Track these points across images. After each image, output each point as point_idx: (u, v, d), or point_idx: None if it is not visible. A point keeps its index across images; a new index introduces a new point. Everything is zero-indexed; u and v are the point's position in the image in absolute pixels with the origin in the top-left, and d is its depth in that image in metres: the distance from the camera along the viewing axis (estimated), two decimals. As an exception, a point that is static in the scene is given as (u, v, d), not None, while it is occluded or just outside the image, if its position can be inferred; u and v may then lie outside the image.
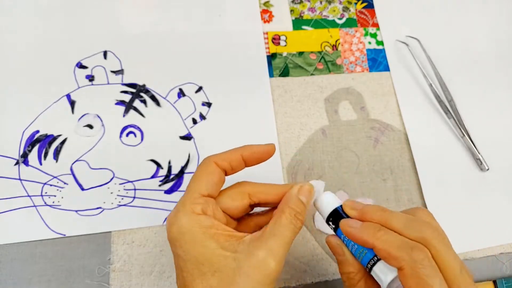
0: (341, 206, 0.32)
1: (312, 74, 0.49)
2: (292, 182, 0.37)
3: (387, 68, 0.51)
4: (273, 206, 0.34)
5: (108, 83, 0.45)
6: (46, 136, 0.43)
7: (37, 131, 0.43)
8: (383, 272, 0.29)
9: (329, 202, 0.33)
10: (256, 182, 0.34)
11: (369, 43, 0.51)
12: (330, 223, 0.32)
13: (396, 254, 0.27)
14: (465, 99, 0.49)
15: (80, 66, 0.45)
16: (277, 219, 0.30)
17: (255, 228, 0.35)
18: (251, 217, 0.35)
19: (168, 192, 0.42)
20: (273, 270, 0.28)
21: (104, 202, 0.41)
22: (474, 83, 0.51)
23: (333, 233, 0.32)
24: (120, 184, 0.42)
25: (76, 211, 0.41)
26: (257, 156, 0.34)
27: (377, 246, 0.28)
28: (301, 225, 0.31)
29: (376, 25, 0.52)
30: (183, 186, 0.43)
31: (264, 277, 0.28)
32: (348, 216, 0.31)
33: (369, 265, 0.30)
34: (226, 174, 0.33)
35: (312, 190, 0.33)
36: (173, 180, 0.43)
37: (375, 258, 0.29)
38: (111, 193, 0.42)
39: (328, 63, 0.50)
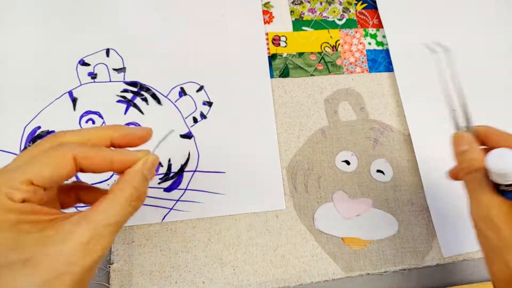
0: None
1: (312, 75, 0.49)
2: (120, 152, 0.28)
3: (387, 69, 0.51)
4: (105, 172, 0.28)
5: (110, 81, 0.46)
6: (48, 132, 0.43)
7: (39, 127, 0.43)
8: None
9: None
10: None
11: (369, 44, 0.52)
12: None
13: None
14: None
15: (83, 63, 0.46)
16: (112, 199, 0.25)
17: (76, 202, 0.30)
18: (75, 189, 0.30)
19: (167, 190, 0.43)
20: (94, 257, 0.24)
21: (104, 199, 0.41)
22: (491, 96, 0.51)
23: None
24: (120, 181, 0.42)
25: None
26: (129, 140, 0.28)
27: None
28: (139, 206, 0.27)
29: (376, 25, 0.53)
30: (183, 184, 0.43)
31: (83, 263, 0.23)
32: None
33: None
34: (81, 171, 0.27)
35: (157, 161, 0.28)
36: (172, 178, 0.43)
37: None
38: (111, 190, 0.42)
39: (328, 63, 0.50)
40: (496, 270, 0.31)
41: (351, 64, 0.51)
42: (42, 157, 0.25)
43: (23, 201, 0.24)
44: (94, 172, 0.27)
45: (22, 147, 0.42)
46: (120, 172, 0.28)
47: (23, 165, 0.25)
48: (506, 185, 0.32)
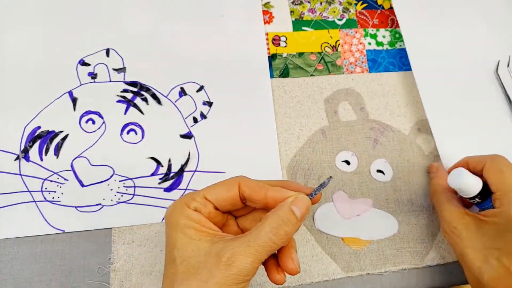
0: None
1: (312, 75, 0.49)
2: (293, 185, 0.34)
3: (387, 69, 0.51)
4: (263, 208, 0.33)
5: (110, 81, 0.46)
6: (48, 132, 0.43)
7: (39, 127, 0.43)
8: None
9: (474, 182, 0.37)
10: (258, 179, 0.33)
11: (369, 44, 0.52)
12: (477, 199, 0.37)
13: None
14: None
15: (83, 63, 0.46)
16: (260, 225, 0.30)
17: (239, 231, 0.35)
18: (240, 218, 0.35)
19: (167, 190, 0.43)
20: (237, 273, 0.28)
21: (104, 199, 0.41)
22: None
23: None
24: (120, 181, 0.42)
25: (76, 207, 0.41)
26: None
27: None
28: (284, 238, 0.30)
29: (376, 25, 0.53)
30: (183, 184, 0.43)
31: (225, 277, 0.28)
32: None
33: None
34: (243, 201, 0.33)
35: (309, 204, 0.31)
36: (172, 178, 0.43)
37: None
38: (111, 190, 0.42)
39: (328, 64, 0.50)
40: (467, 275, 0.37)
41: (351, 64, 0.51)
42: (220, 181, 0.33)
43: (195, 210, 0.31)
44: (252, 203, 0.33)
45: (22, 147, 0.42)
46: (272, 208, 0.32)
47: (206, 187, 0.32)
48: (469, 198, 0.38)
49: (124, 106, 0.45)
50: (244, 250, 0.28)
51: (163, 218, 0.41)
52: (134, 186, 0.42)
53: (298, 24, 0.52)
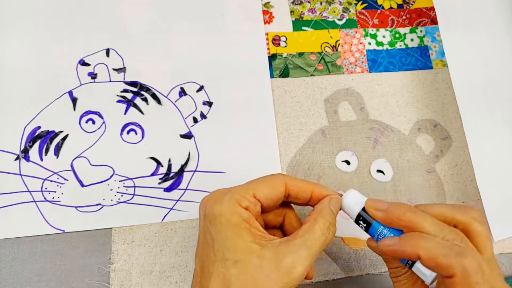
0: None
1: (312, 75, 0.50)
2: (319, 186, 0.34)
3: (387, 69, 0.51)
4: (301, 203, 0.35)
5: (110, 81, 0.46)
6: (48, 132, 0.43)
7: (39, 127, 0.43)
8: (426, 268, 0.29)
9: (356, 202, 0.33)
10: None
11: (369, 44, 0.52)
12: (361, 222, 0.33)
13: (446, 263, 0.27)
14: None
15: (83, 63, 0.46)
16: (310, 227, 0.30)
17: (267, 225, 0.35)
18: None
19: (167, 190, 0.43)
20: (296, 278, 0.28)
21: (104, 199, 0.41)
22: None
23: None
24: (120, 181, 0.42)
25: (76, 207, 0.41)
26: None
27: (423, 257, 0.28)
28: (332, 237, 0.31)
29: (376, 25, 0.53)
30: (183, 184, 0.43)
31: (284, 283, 0.28)
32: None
33: (408, 263, 0.30)
34: (286, 198, 0.33)
35: (340, 201, 0.33)
36: (172, 178, 0.43)
37: None
38: (111, 190, 0.42)
39: (328, 64, 0.50)
40: None
41: (351, 64, 0.51)
42: (264, 178, 0.32)
43: (246, 208, 0.30)
44: (296, 201, 0.34)
45: (22, 147, 0.42)
46: (312, 205, 0.34)
47: (251, 183, 0.32)
48: (357, 222, 0.33)
49: (124, 106, 0.45)
50: (302, 257, 0.28)
51: (164, 218, 0.42)
52: (134, 186, 0.42)
53: (298, 24, 0.52)
